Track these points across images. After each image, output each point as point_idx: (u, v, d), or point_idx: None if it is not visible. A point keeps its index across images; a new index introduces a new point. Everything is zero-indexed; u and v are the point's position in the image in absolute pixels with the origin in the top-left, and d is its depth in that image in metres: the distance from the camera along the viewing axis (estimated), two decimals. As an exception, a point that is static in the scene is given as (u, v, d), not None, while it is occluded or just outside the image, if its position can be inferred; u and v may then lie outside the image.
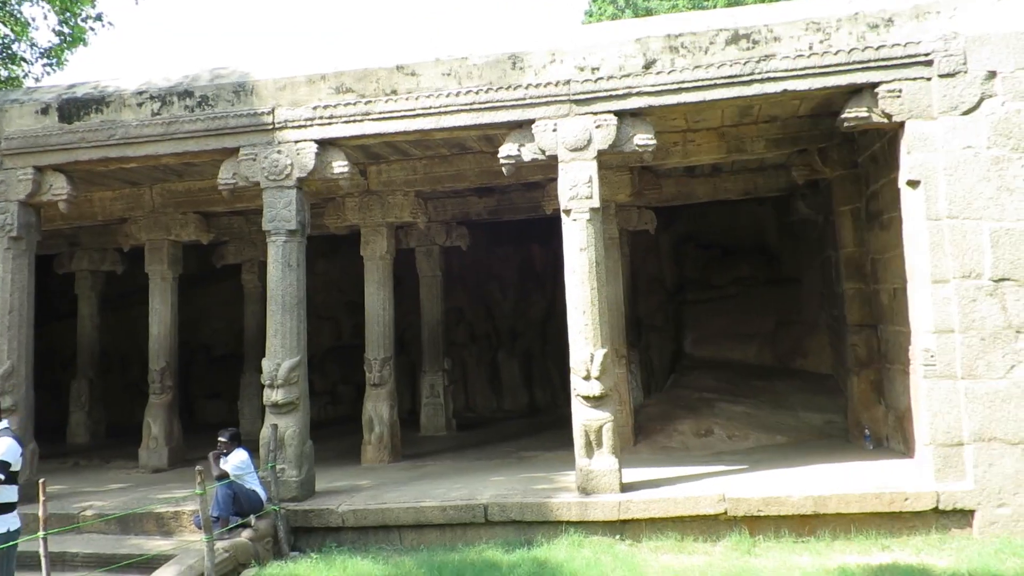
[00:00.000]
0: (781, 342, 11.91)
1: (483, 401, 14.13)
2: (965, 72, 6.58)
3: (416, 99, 7.41)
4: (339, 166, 7.68)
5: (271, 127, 7.64)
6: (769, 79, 6.85)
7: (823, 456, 8.06)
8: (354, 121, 7.55)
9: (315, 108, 7.57)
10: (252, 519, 6.65)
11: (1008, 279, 6.39)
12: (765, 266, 12.57)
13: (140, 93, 7.88)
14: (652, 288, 12.99)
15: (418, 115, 7.44)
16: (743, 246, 12.80)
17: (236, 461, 6.80)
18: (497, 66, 7.31)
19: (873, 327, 8.77)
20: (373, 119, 7.53)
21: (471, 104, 7.33)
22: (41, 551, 5.16)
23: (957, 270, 6.44)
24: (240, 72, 7.94)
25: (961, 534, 6.26)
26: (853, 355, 8.89)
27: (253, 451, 7.30)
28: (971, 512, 6.29)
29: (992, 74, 6.56)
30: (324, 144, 7.65)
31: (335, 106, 7.55)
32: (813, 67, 6.78)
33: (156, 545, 6.66)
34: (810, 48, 6.79)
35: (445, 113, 7.39)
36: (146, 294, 10.69)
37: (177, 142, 7.80)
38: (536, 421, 12.64)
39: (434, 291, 11.96)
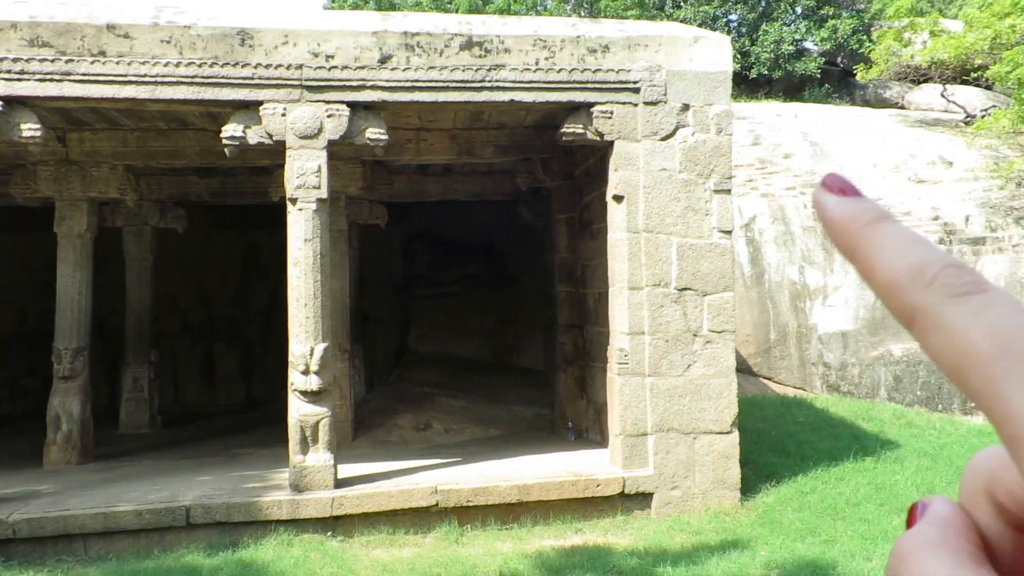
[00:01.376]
0: (501, 339, 12.53)
1: (195, 395, 13.22)
2: (665, 102, 7.37)
3: (129, 64, 6.75)
4: (30, 129, 6.76)
5: (-58, 75, 6.53)
6: (498, 88, 7.16)
7: (531, 447, 8.59)
8: (51, 80, 6.69)
9: (2, 60, 6.60)
10: None
11: (689, 288, 7.27)
12: (490, 266, 13.14)
13: None
14: (380, 283, 13.01)
15: (130, 82, 6.78)
16: (471, 246, 13.27)
17: None
18: (224, 40, 6.87)
19: (580, 327, 9.53)
20: (76, 80, 6.73)
21: (193, 77, 6.82)
22: None
23: (650, 278, 7.21)
24: (-98, 6, 6.70)
25: (642, 515, 7.01)
26: (562, 353, 9.60)
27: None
28: (651, 495, 7.07)
29: (686, 107, 7.42)
30: (11, 102, 6.69)
31: (28, 60, 6.63)
32: (539, 81, 7.20)
33: None
34: (537, 63, 7.20)
35: (163, 83, 6.81)
36: None
37: None
38: (253, 416, 12.09)
39: (143, 276, 10.97)
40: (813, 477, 7.70)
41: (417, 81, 7.06)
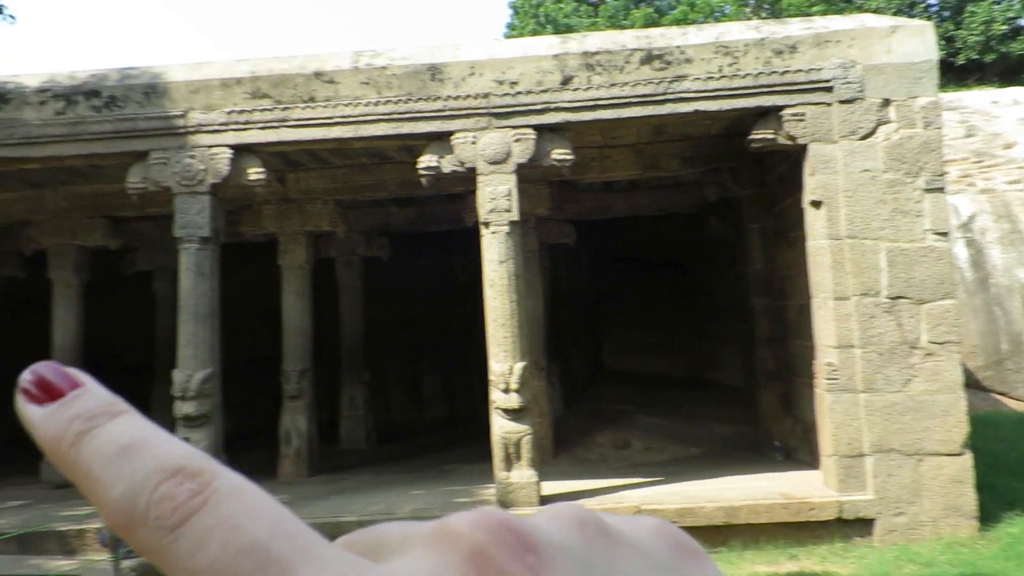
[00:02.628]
0: (695, 355, 12.24)
1: (404, 413, 14.00)
2: (863, 99, 6.93)
3: (335, 107, 7.34)
4: (255, 173, 7.52)
5: (183, 131, 7.43)
6: (681, 99, 7.06)
7: (734, 467, 8.29)
8: (270, 127, 7.42)
9: (230, 113, 7.40)
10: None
11: (903, 297, 6.74)
12: (681, 280, 12.90)
13: (43, 91, 7.55)
14: (572, 301, 13.15)
15: (336, 123, 7.37)
16: (660, 260, 13.11)
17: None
18: (416, 77, 7.30)
19: (781, 341, 9.10)
20: (290, 126, 7.42)
21: (390, 114, 7.30)
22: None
23: (857, 287, 6.76)
24: (151, 73, 7.70)
25: (863, 542, 6.54)
26: (762, 368, 9.21)
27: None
28: (872, 521, 6.58)
29: (887, 102, 6.92)
30: (239, 150, 7.48)
31: (251, 111, 7.40)
32: (723, 89, 7.02)
33: (58, 565, 6.36)
34: (720, 71, 7.03)
35: (364, 122, 7.34)
36: (49, 301, 10.22)
37: (83, 143, 7.51)
38: (457, 433, 12.61)
39: (354, 301, 11.81)
40: (1064, 504, 6.85)
41: (599, 100, 7.12)
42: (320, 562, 0.30)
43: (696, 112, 7.10)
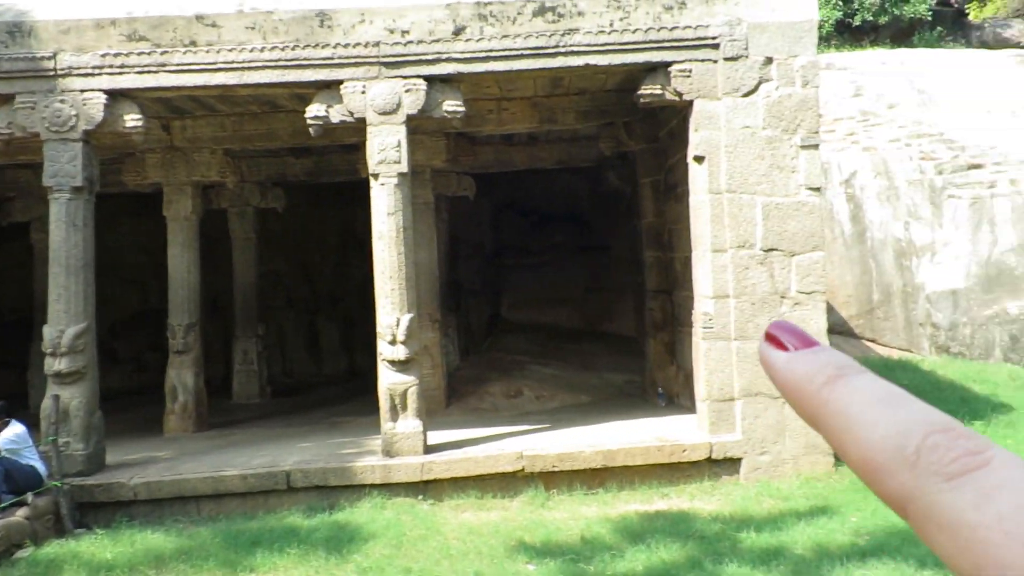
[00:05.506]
0: (591, 306, 12.52)
1: (301, 366, 13.86)
2: (747, 57, 7.11)
3: (217, 52, 7.06)
4: (132, 119, 7.20)
5: (53, 73, 7.02)
6: (573, 52, 7.09)
7: (620, 413, 8.59)
8: (149, 72, 7.09)
9: (104, 56, 7.03)
10: (29, 496, 6.22)
11: (776, 249, 7.05)
12: (579, 233, 13.10)
13: None
14: (472, 253, 13.20)
15: (220, 69, 7.10)
16: (559, 214, 13.26)
17: (9, 435, 6.32)
18: (305, 23, 7.09)
19: (668, 293, 9.40)
20: (170, 71, 7.10)
21: (277, 61, 7.08)
22: None
23: (734, 240, 7.03)
24: (16, 11, 7.22)
25: (730, 480, 6.92)
26: (651, 319, 9.51)
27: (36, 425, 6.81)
28: (739, 460, 6.96)
29: (769, 60, 7.13)
30: (115, 95, 7.13)
31: (127, 55, 7.05)
32: (614, 43, 7.07)
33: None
34: (611, 25, 7.07)
35: (249, 68, 7.10)
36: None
37: (-63, 84, 7.02)
38: (355, 386, 12.56)
39: (248, 254, 11.52)
40: (915, 441, 7.38)
41: (491, 51, 7.08)
42: None
43: (587, 66, 7.15)
